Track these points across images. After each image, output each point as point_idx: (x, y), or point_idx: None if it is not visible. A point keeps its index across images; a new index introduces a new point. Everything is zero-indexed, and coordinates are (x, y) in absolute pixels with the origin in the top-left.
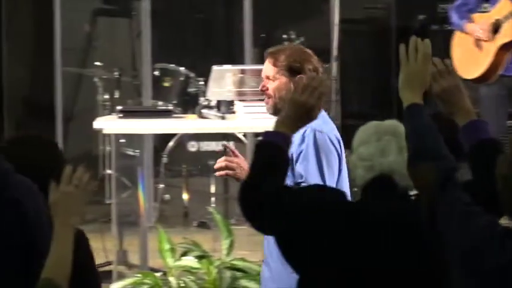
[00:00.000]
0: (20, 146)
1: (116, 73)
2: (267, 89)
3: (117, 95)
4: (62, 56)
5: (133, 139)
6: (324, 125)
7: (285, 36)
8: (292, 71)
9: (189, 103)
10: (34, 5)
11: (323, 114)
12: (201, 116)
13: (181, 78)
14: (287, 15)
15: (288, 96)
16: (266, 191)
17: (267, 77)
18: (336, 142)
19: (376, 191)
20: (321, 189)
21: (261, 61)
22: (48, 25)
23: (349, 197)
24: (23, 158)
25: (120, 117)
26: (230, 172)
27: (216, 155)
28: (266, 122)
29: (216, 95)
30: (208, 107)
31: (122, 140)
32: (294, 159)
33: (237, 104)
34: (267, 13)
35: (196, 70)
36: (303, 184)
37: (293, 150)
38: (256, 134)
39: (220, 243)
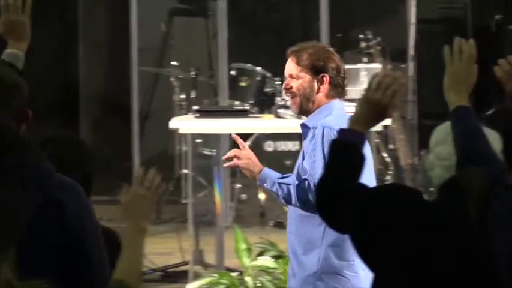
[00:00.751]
0: (48, 146)
1: (192, 73)
2: (291, 88)
3: (193, 94)
4: (139, 55)
5: (210, 139)
6: (336, 121)
7: (361, 36)
8: (315, 69)
9: (266, 103)
10: (110, 5)
11: (341, 112)
12: (278, 116)
13: (258, 78)
14: (363, 15)
15: (311, 94)
16: (342, 190)
17: (290, 76)
18: None
19: (454, 191)
20: (397, 188)
21: None
22: (125, 25)
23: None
24: (50, 158)
25: (196, 117)
26: (238, 162)
27: (292, 154)
28: None
29: None
30: (285, 106)
31: (199, 140)
32: (304, 154)
33: None
34: (343, 13)
35: (272, 70)
36: (307, 179)
37: (304, 145)
38: None
39: None
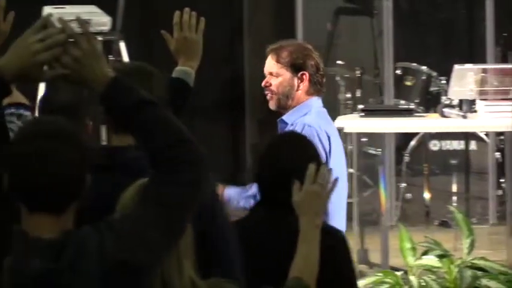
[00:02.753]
0: None
1: (357, 72)
2: (270, 85)
3: (358, 93)
4: None
5: (375, 138)
6: (317, 119)
7: None
8: (295, 67)
9: (431, 102)
10: (275, 4)
11: (320, 110)
12: (443, 115)
13: (423, 77)
14: None
15: (291, 91)
16: None
17: (270, 73)
18: (324, 138)
19: None
20: None
21: (503, 60)
22: (290, 24)
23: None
24: None
25: (361, 116)
26: None
27: (457, 153)
28: (508, 121)
29: (457, 94)
30: (450, 106)
31: (364, 139)
32: None
33: (478, 103)
34: (509, 12)
35: (438, 69)
36: None
37: None
38: (498, 133)
39: (461, 242)
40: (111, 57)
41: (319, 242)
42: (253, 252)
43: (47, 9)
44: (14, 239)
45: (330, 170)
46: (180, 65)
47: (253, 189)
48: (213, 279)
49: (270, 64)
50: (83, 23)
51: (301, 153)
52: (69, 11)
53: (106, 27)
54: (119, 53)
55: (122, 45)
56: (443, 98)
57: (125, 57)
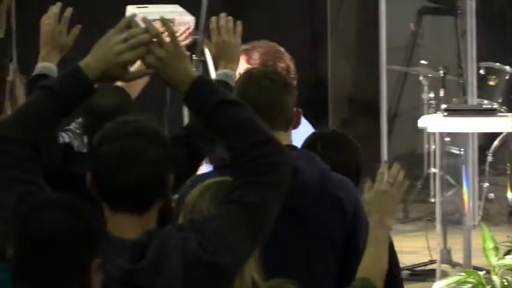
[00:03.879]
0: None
1: (441, 71)
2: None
3: (442, 93)
4: (387, 54)
5: (458, 137)
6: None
7: None
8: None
9: None
10: (359, 4)
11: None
12: None
13: (507, 77)
14: None
15: None
16: None
17: (240, 74)
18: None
19: None
20: None
21: None
22: (373, 24)
23: None
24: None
25: (444, 116)
26: None
27: None
28: None
29: None
30: None
31: (447, 139)
32: None
33: None
34: None
35: None
36: None
37: None
38: None
39: None
40: (194, 57)
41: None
42: None
43: (131, 9)
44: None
45: (400, 169)
46: (221, 68)
47: None
48: (275, 280)
49: (241, 65)
50: (167, 22)
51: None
52: (153, 11)
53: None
54: (202, 53)
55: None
56: None
57: (208, 57)
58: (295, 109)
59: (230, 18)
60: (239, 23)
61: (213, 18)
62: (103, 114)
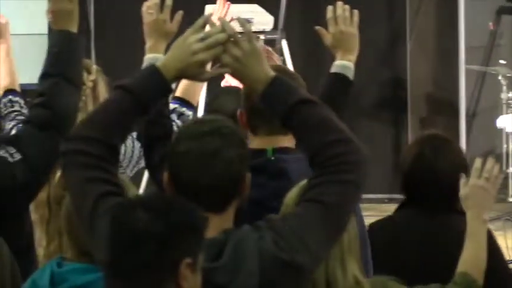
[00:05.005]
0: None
1: None
2: (230, 85)
3: None
4: (466, 54)
5: None
6: None
7: None
8: None
9: None
10: (438, 4)
11: None
12: None
13: None
14: None
15: None
16: None
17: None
18: None
19: None
20: None
21: None
22: (452, 24)
23: None
24: None
25: None
26: None
27: None
28: None
29: None
30: None
31: None
32: None
33: None
34: None
35: None
36: None
37: None
38: None
39: None
40: None
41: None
42: (408, 252)
43: (209, 8)
44: None
45: (496, 164)
46: (339, 59)
47: None
48: (377, 277)
49: None
50: (244, 22)
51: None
52: (231, 10)
53: (268, 26)
54: (281, 52)
55: (284, 44)
56: None
57: (287, 56)
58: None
59: (347, 7)
60: (356, 12)
61: (329, 8)
62: (229, 116)
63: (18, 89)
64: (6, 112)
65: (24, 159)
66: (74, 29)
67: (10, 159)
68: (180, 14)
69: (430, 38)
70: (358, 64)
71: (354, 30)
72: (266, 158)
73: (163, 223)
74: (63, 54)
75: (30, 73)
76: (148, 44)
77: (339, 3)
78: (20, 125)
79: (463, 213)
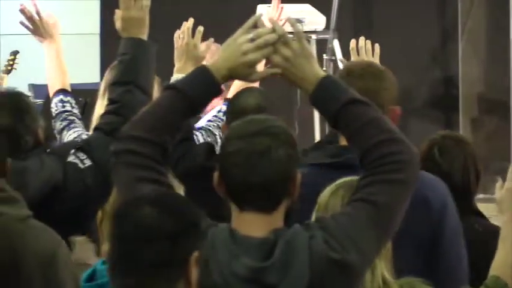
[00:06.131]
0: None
1: None
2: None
3: None
4: None
5: None
6: None
7: None
8: None
9: None
10: (489, 4)
11: None
12: None
13: None
14: None
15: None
16: None
17: None
18: None
19: None
20: None
21: None
22: (503, 23)
23: None
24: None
25: None
26: None
27: None
28: None
29: None
30: None
31: None
32: None
33: None
34: None
35: None
36: None
37: None
38: None
39: None
40: (325, 56)
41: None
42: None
43: (261, 8)
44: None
45: None
46: None
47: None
48: (405, 278)
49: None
50: (294, 22)
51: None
52: (283, 10)
53: (320, 26)
54: (332, 52)
55: (336, 44)
56: None
57: (339, 56)
58: None
59: (368, 41)
60: (377, 45)
61: (352, 41)
62: (248, 113)
63: (68, 88)
64: (57, 112)
65: (95, 165)
66: (144, 36)
67: (81, 165)
68: (211, 41)
69: (482, 38)
70: (409, 64)
71: (375, 61)
72: None
73: (173, 219)
74: (135, 62)
75: (81, 73)
76: (177, 65)
77: (362, 38)
78: (72, 125)
79: (481, 215)
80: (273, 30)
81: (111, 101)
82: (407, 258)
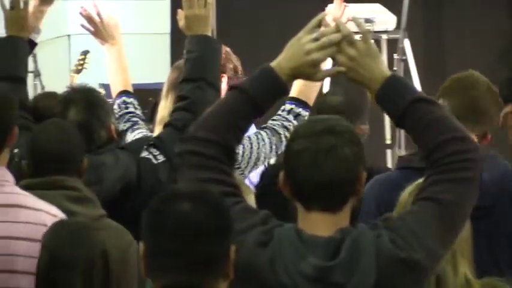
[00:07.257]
0: None
1: None
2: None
3: None
4: None
5: None
6: None
7: None
8: None
9: None
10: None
11: None
12: None
13: None
14: None
15: None
16: None
17: None
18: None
19: None
20: None
21: None
22: None
23: None
24: None
25: None
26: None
27: None
28: None
29: None
30: None
31: None
32: None
33: None
34: None
35: None
36: None
37: None
38: None
39: None
40: (396, 56)
41: None
42: None
43: (331, 8)
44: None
45: None
46: None
47: None
48: (488, 278)
49: None
50: (360, 22)
51: None
52: (353, 9)
53: (391, 26)
54: (403, 52)
55: (407, 44)
56: None
57: (410, 56)
58: None
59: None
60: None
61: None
62: (329, 109)
63: (131, 89)
64: (120, 113)
65: (168, 160)
66: (209, 33)
67: (154, 160)
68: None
69: (508, 38)
70: (477, 64)
71: None
72: None
73: (216, 214)
74: (203, 58)
75: (151, 72)
76: None
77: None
78: (135, 127)
79: None
80: (337, 30)
81: (181, 98)
82: (504, 258)
